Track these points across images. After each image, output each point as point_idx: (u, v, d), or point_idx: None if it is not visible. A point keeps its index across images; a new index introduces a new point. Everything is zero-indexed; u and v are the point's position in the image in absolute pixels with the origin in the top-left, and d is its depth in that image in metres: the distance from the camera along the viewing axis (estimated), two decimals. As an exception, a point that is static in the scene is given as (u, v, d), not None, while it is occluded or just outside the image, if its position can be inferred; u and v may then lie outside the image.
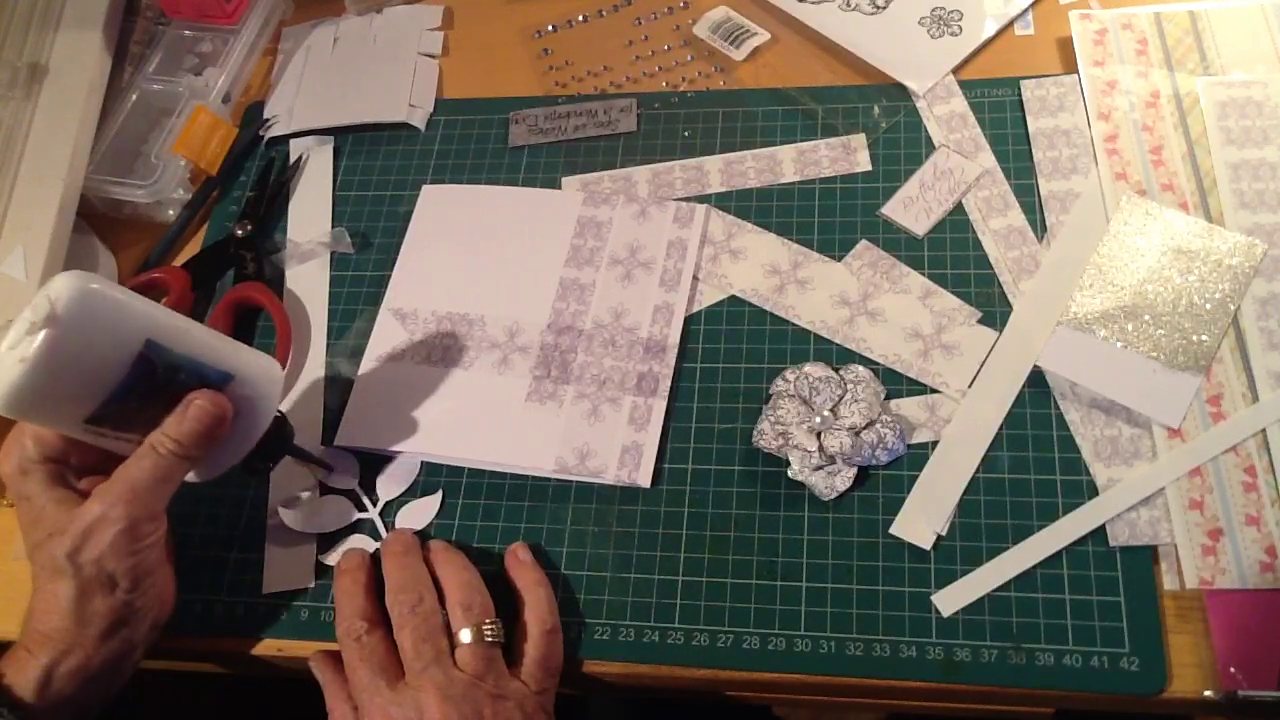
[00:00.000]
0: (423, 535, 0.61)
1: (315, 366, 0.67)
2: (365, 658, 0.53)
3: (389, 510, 0.62)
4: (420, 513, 0.61)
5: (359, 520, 0.62)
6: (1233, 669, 0.50)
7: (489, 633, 0.53)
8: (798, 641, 0.55)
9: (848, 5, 0.75)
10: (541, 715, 0.52)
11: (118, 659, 0.52)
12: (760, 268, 0.66)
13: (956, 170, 0.67)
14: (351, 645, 0.53)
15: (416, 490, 0.62)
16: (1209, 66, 0.67)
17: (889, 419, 0.58)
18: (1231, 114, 0.65)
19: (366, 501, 0.62)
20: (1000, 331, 0.61)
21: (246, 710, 0.84)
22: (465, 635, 0.53)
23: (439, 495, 0.62)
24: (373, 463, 0.63)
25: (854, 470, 0.58)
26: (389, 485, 0.63)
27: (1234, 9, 0.69)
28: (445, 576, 0.55)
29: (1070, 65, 0.69)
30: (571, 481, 0.61)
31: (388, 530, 0.61)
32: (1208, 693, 0.51)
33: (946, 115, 0.69)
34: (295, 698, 0.81)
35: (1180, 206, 0.63)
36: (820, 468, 0.58)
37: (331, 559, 0.61)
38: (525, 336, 0.65)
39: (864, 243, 0.66)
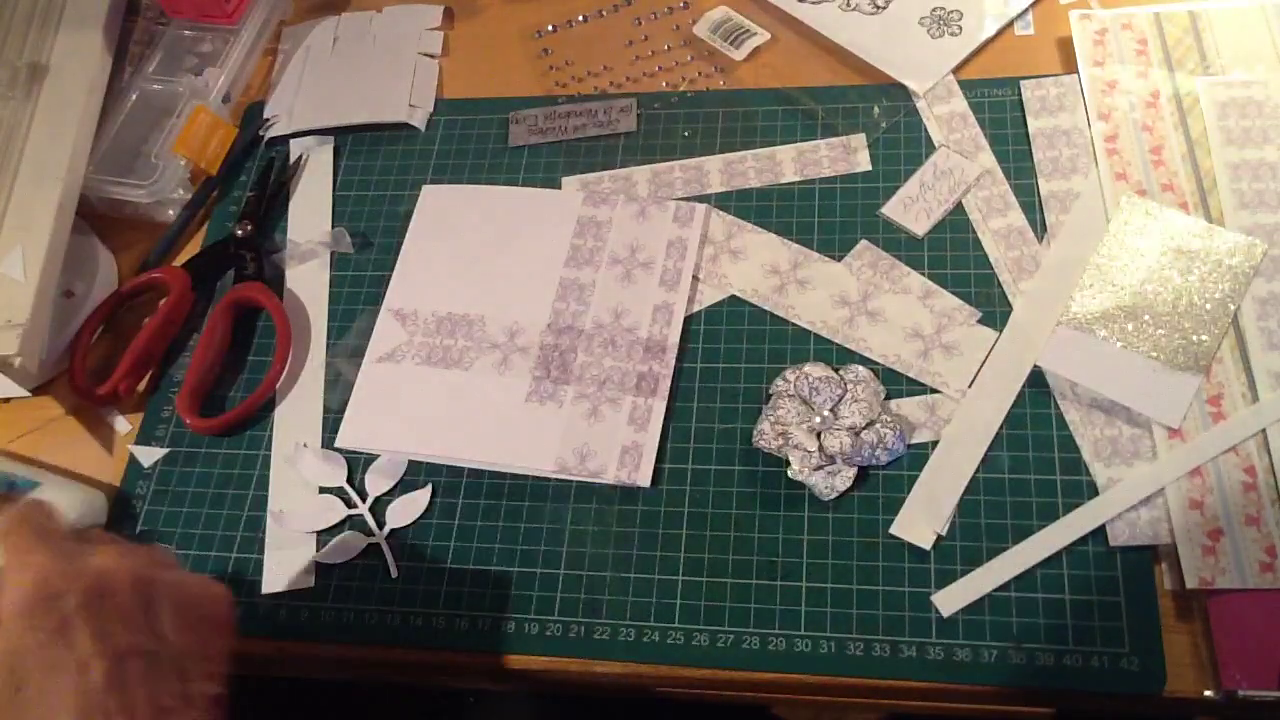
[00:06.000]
0: (417, 529, 0.61)
1: (315, 366, 0.67)
2: None
3: (378, 506, 0.62)
4: (411, 507, 0.61)
5: (350, 517, 0.62)
6: (1233, 669, 0.50)
7: None
8: (798, 641, 0.55)
9: (848, 5, 0.75)
10: None
11: None
12: (760, 268, 0.66)
13: (956, 170, 0.67)
14: None
15: (405, 485, 0.62)
16: (1209, 66, 0.67)
17: (889, 419, 0.58)
18: (1231, 114, 0.65)
19: (356, 498, 0.62)
20: (1000, 331, 0.61)
21: (244, 711, 0.84)
22: None
23: (428, 489, 0.62)
24: (360, 459, 0.64)
25: (854, 470, 0.58)
26: (377, 481, 0.63)
27: (1234, 9, 0.69)
28: None
29: (1070, 65, 0.69)
30: (571, 481, 0.61)
31: (379, 526, 0.61)
32: (1207, 692, 0.51)
33: (946, 115, 0.69)
34: (294, 698, 0.81)
35: (1180, 206, 0.63)
36: (820, 468, 0.58)
37: (329, 558, 0.61)
38: (525, 337, 0.65)
39: (864, 243, 0.66)
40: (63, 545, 0.42)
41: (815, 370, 0.60)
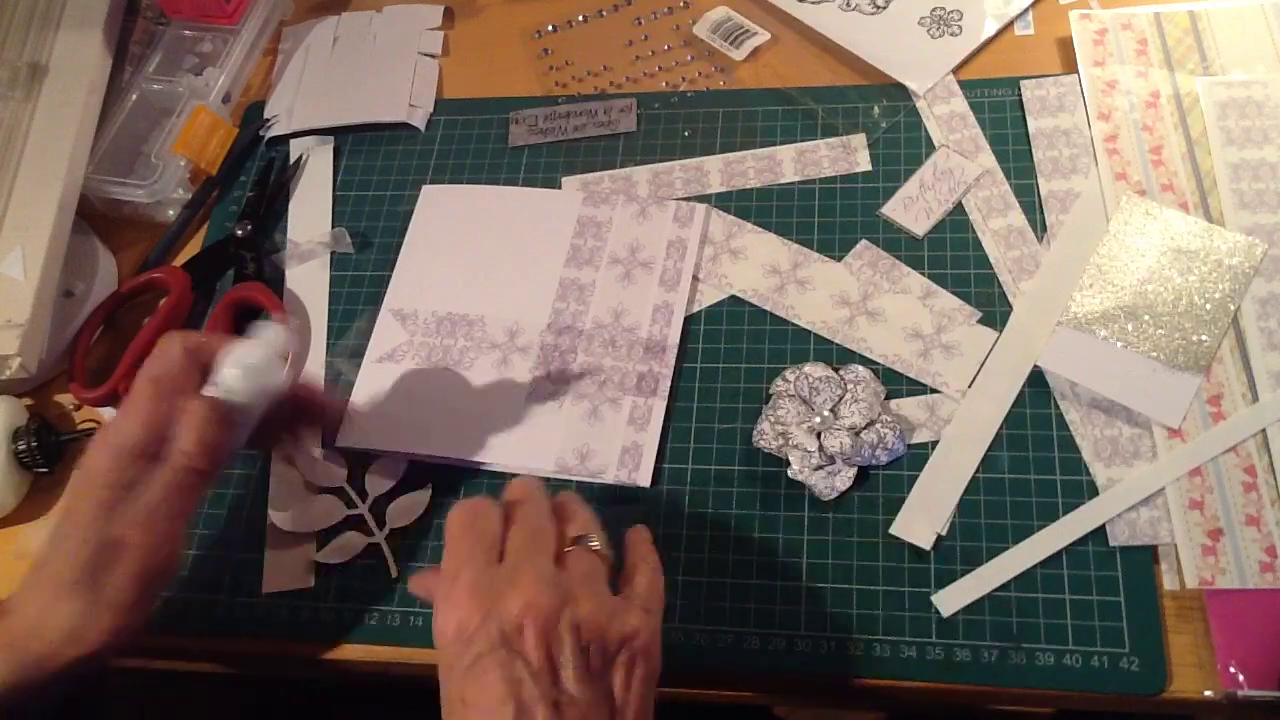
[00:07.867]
0: (417, 529, 0.61)
1: (315, 366, 0.67)
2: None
3: (378, 506, 0.62)
4: (410, 508, 0.61)
5: (349, 517, 0.62)
6: (1233, 669, 0.50)
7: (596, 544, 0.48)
8: (798, 641, 0.55)
9: (848, 5, 0.75)
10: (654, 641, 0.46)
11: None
12: (760, 268, 0.66)
13: (956, 170, 0.67)
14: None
15: (405, 485, 0.62)
16: (1209, 66, 0.67)
17: (889, 419, 0.58)
18: (1231, 114, 0.65)
19: (356, 498, 0.62)
20: (1000, 331, 0.61)
21: (246, 711, 0.84)
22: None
23: (429, 490, 0.62)
24: (360, 459, 0.64)
25: (854, 470, 0.58)
26: (377, 481, 0.63)
27: (1234, 9, 0.69)
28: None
29: (1070, 65, 0.69)
30: (571, 481, 0.61)
31: (379, 526, 0.61)
32: (1208, 693, 0.51)
33: (946, 115, 0.69)
34: (293, 698, 0.81)
35: (1180, 206, 0.63)
36: (820, 468, 0.58)
37: (329, 558, 0.61)
38: (525, 336, 0.65)
39: (864, 243, 0.66)
40: (487, 571, 0.45)
41: (815, 370, 0.60)
